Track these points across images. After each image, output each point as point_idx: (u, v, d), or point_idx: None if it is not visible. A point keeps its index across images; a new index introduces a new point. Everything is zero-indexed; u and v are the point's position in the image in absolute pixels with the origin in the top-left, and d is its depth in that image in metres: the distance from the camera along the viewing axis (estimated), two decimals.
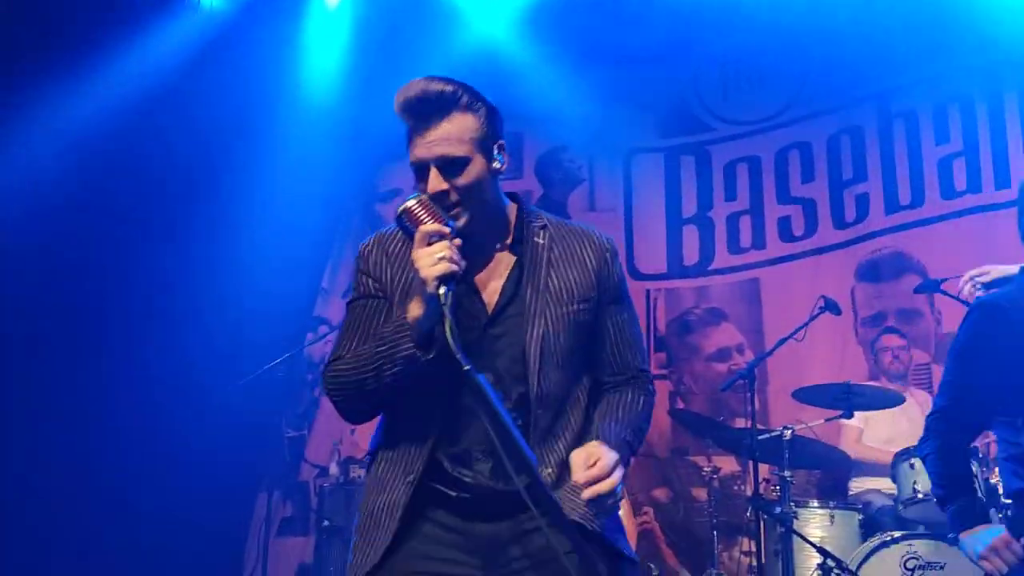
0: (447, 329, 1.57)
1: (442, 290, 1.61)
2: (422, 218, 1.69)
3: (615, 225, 6.06)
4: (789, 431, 4.05)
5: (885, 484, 4.23)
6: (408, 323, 1.67)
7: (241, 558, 5.52)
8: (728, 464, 4.87)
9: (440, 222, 1.68)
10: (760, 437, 4.03)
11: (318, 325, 6.05)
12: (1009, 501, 2.78)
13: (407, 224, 1.71)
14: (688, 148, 6.11)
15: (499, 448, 1.55)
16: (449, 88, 1.75)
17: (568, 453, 1.70)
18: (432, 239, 1.66)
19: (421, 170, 1.75)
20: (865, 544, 3.78)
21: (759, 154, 5.90)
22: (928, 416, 2.55)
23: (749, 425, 4.00)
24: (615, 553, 1.73)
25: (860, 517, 4.04)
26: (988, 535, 2.31)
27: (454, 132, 1.74)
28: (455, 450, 1.74)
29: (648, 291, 5.89)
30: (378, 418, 1.86)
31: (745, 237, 5.78)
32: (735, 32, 5.61)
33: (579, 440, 1.75)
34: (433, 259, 1.63)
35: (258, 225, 5.42)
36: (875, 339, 4.95)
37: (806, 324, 4.36)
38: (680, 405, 5.51)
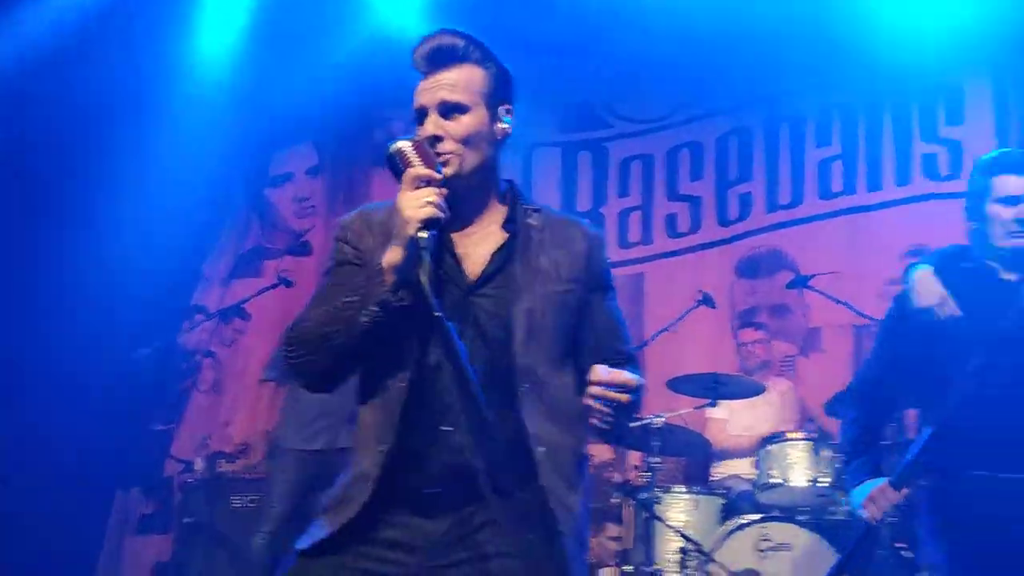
0: (422, 271, 1.55)
1: (424, 234, 1.59)
2: (412, 161, 1.65)
3: None
4: (660, 419, 4.17)
5: (746, 469, 4.41)
6: (383, 268, 1.63)
7: (97, 557, 5.36)
8: (603, 451, 4.98)
9: (431, 168, 1.65)
10: (632, 424, 4.15)
11: (195, 313, 5.94)
12: None
13: (397, 164, 1.67)
14: (586, 144, 6.23)
15: (457, 405, 1.56)
16: (461, 42, 1.76)
17: (562, 436, 1.68)
18: (420, 184, 1.63)
19: (421, 115, 1.75)
20: (723, 527, 3.94)
21: (653, 152, 6.05)
22: (852, 382, 2.74)
23: None
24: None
25: (722, 502, 4.20)
26: (870, 485, 2.50)
27: (460, 80, 1.73)
28: (420, 417, 1.68)
29: None
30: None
31: (634, 232, 5.92)
32: (635, 31, 5.72)
33: (575, 426, 1.72)
34: (420, 202, 1.60)
35: (140, 206, 5.29)
36: (736, 333, 5.13)
37: (681, 317, 4.53)
38: None
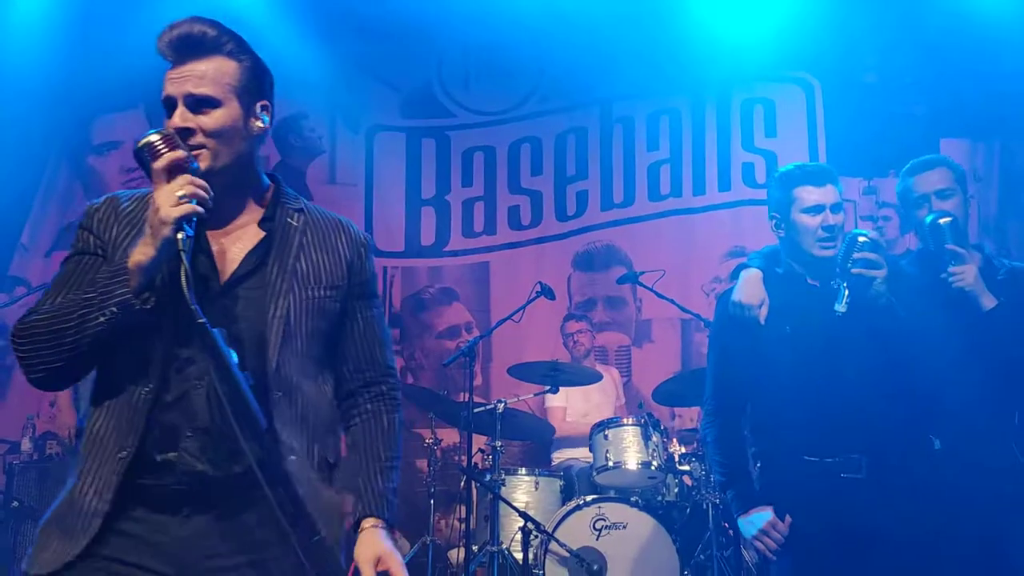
0: (183, 276, 1.47)
1: (180, 235, 1.50)
2: (162, 151, 1.55)
3: (355, 200, 6.10)
4: (502, 404, 4.35)
5: (583, 454, 4.68)
6: (128, 268, 1.53)
7: None
8: (450, 436, 5.12)
9: (184, 161, 1.57)
10: (476, 410, 4.30)
11: (14, 286, 5.50)
12: None
13: (146, 157, 1.56)
14: (429, 131, 6.28)
15: (229, 413, 1.49)
16: (213, 32, 1.67)
17: (312, 444, 1.66)
18: (172, 173, 1.53)
19: (169, 106, 1.65)
20: (562, 508, 4.17)
21: (494, 144, 6.21)
22: (703, 404, 2.78)
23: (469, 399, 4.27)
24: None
25: (561, 483, 4.43)
26: (759, 519, 2.51)
27: (209, 72, 1.65)
28: (165, 423, 1.59)
29: (385, 268, 6.01)
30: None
31: (478, 222, 6.07)
32: (480, 23, 5.84)
33: (325, 436, 1.71)
34: (174, 198, 1.51)
35: None
36: (562, 324, 5.41)
37: (523, 307, 4.70)
38: (410, 380, 5.70)
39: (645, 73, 5.85)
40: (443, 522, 5.00)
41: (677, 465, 4.19)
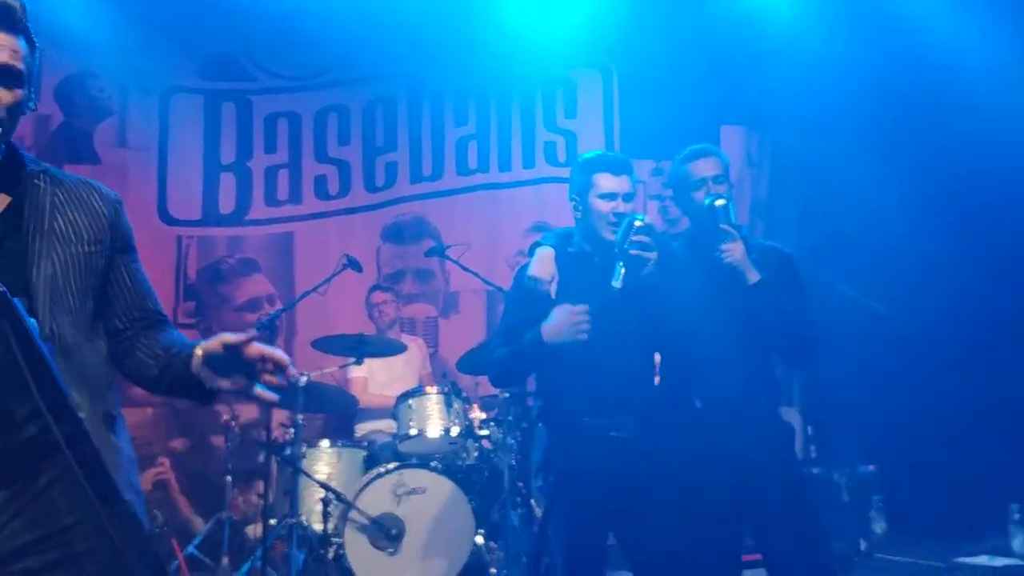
0: None
1: None
2: None
3: (148, 165, 5.74)
4: (304, 377, 4.30)
5: (386, 425, 4.72)
6: None
7: None
8: (249, 411, 4.98)
9: None
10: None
11: None
12: None
13: None
14: (230, 95, 6.01)
15: (31, 384, 1.45)
16: (19, 7, 1.67)
17: (94, 401, 1.65)
18: None
19: None
20: (363, 477, 4.20)
21: (299, 111, 6.03)
22: (494, 337, 2.96)
23: None
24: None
25: (364, 454, 4.45)
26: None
27: (20, 48, 1.64)
28: None
29: (180, 237, 5.71)
30: None
31: (283, 191, 5.90)
32: None
33: (106, 391, 1.71)
34: None
35: None
36: (368, 295, 5.42)
37: (328, 279, 4.65)
38: None
39: (454, 48, 5.89)
40: (241, 499, 4.88)
41: (476, 430, 4.33)
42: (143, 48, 5.71)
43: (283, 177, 5.93)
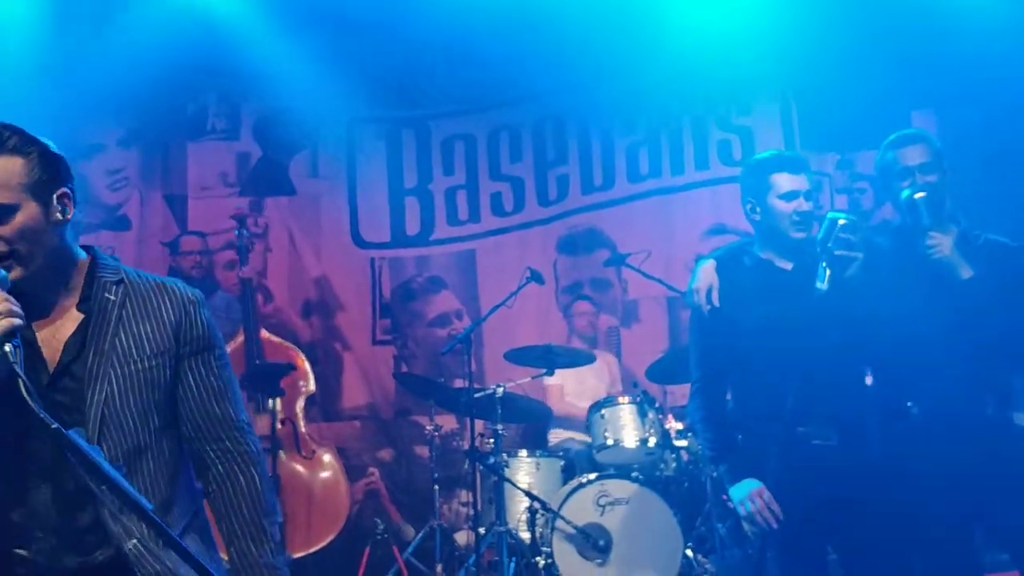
0: (22, 389, 1.43)
1: (8, 348, 1.47)
2: None
3: (339, 192, 6.15)
4: (501, 389, 4.46)
5: (578, 434, 4.82)
6: None
7: None
8: (448, 422, 5.22)
9: None
10: (476, 395, 4.41)
11: None
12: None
13: None
14: (409, 121, 6.32)
15: (107, 503, 1.53)
16: (5, 131, 1.62)
17: (153, 520, 1.56)
18: None
19: None
20: (565, 486, 4.30)
21: (474, 132, 6.25)
22: (691, 384, 2.87)
23: (466, 385, 4.38)
24: None
25: (562, 463, 4.56)
26: (746, 486, 2.63)
27: (10, 173, 1.60)
28: (12, 525, 1.62)
29: (373, 259, 6.07)
30: None
31: (462, 210, 6.14)
32: (455, 10, 5.87)
33: (167, 510, 1.70)
34: None
35: None
36: (568, 305, 5.55)
37: (515, 293, 4.81)
38: (404, 369, 5.78)
39: (621, 56, 5.89)
40: (446, 507, 5.11)
41: (673, 441, 4.34)
42: (328, 83, 6.12)
43: (462, 197, 6.18)
